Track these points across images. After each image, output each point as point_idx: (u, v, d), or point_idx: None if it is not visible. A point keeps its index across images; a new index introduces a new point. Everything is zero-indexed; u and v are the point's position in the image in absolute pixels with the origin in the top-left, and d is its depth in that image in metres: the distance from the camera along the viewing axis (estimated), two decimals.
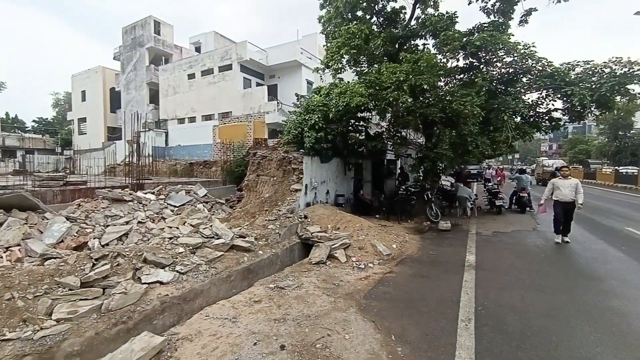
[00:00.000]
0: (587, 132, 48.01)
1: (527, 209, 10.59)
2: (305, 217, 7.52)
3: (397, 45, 10.87)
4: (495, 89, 9.35)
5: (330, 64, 10.68)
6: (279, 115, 18.04)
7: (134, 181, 9.88)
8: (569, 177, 6.59)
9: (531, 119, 9.35)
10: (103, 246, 5.59)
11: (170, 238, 5.14)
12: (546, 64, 8.38)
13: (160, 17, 24.48)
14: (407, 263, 5.35)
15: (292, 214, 7.41)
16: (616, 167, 26.11)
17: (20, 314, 2.91)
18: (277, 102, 19.54)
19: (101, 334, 2.94)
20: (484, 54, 9.08)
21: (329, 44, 10.80)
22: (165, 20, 25.28)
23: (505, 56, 9.08)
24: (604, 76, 7.58)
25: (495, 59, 9.33)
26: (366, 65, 11.47)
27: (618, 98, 7.72)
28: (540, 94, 8.96)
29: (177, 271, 4.18)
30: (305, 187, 8.33)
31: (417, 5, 11.12)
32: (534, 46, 8.50)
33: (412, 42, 11.18)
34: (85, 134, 28.64)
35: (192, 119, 22.37)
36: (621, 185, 19.19)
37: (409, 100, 7.80)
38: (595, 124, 37.30)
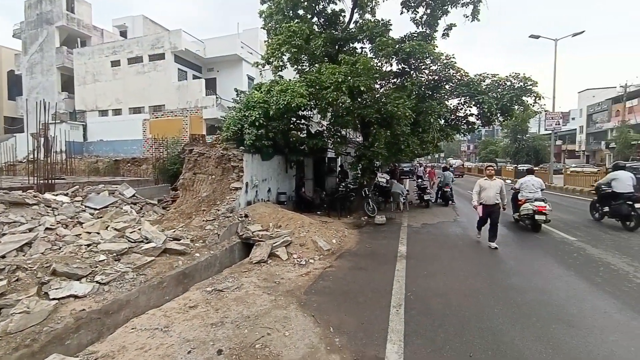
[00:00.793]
0: (495, 135, 55.59)
1: (450, 202, 11.88)
2: (246, 216, 7.33)
3: (337, 47, 11.19)
4: (424, 94, 10.27)
5: (271, 61, 10.54)
6: (218, 110, 17.21)
7: (41, 181, 8.50)
8: (494, 177, 6.09)
9: (452, 122, 10.52)
10: None
11: (89, 245, 4.57)
12: (464, 74, 9.51)
13: None
14: (346, 257, 5.60)
15: (232, 214, 7.16)
16: (515, 165, 30.96)
17: None
18: (216, 97, 18.61)
19: None
20: (413, 61, 9.88)
21: (270, 40, 10.65)
22: None
23: (431, 64, 10.02)
24: (506, 88, 8.93)
25: (423, 66, 10.24)
26: (307, 64, 11.59)
27: (516, 107, 9.14)
28: (459, 100, 10.14)
29: (97, 282, 3.74)
30: (245, 186, 8.11)
31: (356, 10, 11.59)
32: (454, 57, 9.55)
33: (351, 45, 11.64)
34: None
35: (118, 112, 20.05)
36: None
37: (348, 100, 8.12)
38: (501, 128, 43.43)
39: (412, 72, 10.52)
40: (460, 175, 30.04)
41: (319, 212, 10.58)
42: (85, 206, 7.32)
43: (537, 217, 6.89)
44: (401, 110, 8.43)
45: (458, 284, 4.18)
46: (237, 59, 19.75)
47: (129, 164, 16.22)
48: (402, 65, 10.57)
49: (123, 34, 23.61)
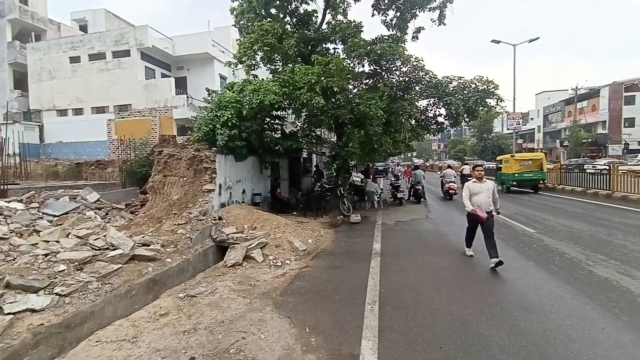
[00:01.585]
0: (463, 134, 58.23)
1: (422, 199, 12.29)
2: (220, 218, 7.17)
3: (310, 47, 11.21)
4: (395, 95, 10.56)
5: (243, 60, 10.39)
6: (189, 110, 16.67)
7: None
8: (484, 179, 5.23)
9: (422, 122, 10.89)
10: None
11: (47, 254, 4.27)
12: (432, 76, 9.88)
13: None
14: (322, 256, 5.63)
15: (205, 216, 6.98)
16: (481, 162, 32.60)
17: None
18: (187, 96, 18.03)
19: None
20: (384, 62, 10.12)
21: (242, 39, 10.48)
22: None
23: (402, 66, 10.32)
24: (471, 90, 9.39)
25: (394, 68, 10.52)
26: (280, 64, 11.53)
27: (480, 109, 9.65)
28: (429, 101, 10.53)
29: (56, 294, 3.50)
30: (219, 187, 7.93)
31: (328, 11, 11.67)
32: (422, 60, 9.90)
33: (324, 45, 11.71)
34: None
35: (79, 111, 18.85)
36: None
37: (321, 101, 8.17)
38: (468, 128, 45.67)
39: (383, 73, 10.77)
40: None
41: (295, 213, 10.56)
42: (43, 213, 6.83)
43: (450, 191, 12.31)
44: (373, 110, 8.61)
45: (429, 278, 4.34)
46: (208, 57, 19.24)
47: (92, 167, 15.30)
48: (374, 67, 10.79)
49: (83, 28, 22.23)
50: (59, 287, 3.62)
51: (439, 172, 19.12)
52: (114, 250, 4.75)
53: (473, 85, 9.55)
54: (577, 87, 36.51)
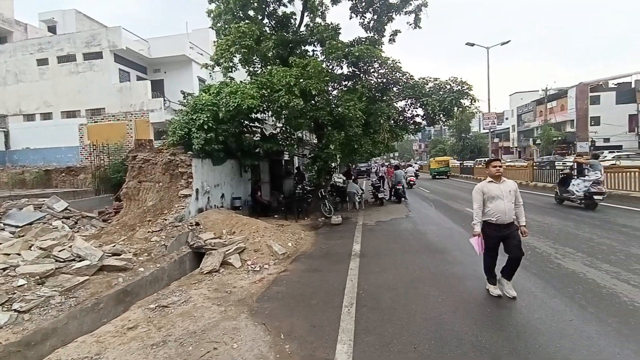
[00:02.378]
0: (443, 134, 59.75)
1: (402, 199, 12.46)
2: (197, 224, 6.99)
3: (289, 49, 11.17)
4: (374, 96, 10.66)
5: (220, 62, 10.24)
6: (167, 113, 16.20)
7: None
8: (502, 178, 3.72)
9: (401, 123, 11.06)
10: None
11: (4, 269, 4.00)
12: (409, 77, 10.06)
13: None
14: (301, 259, 5.58)
15: (182, 222, 6.78)
16: (461, 161, 33.56)
17: None
18: (164, 99, 17.54)
19: None
20: (362, 64, 10.21)
21: (219, 41, 10.31)
22: None
23: (379, 68, 10.45)
24: (447, 91, 9.63)
25: (372, 70, 10.64)
26: (259, 66, 11.45)
27: (456, 109, 9.90)
28: (406, 102, 10.71)
29: (15, 310, 3.28)
30: (196, 192, 7.73)
31: (306, 14, 11.67)
32: (399, 62, 10.06)
33: (303, 47, 11.70)
34: None
35: (47, 116, 17.96)
36: (464, 175, 24.61)
37: (300, 103, 8.13)
38: (447, 128, 46.95)
39: (361, 75, 10.86)
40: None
41: (276, 216, 10.45)
42: (4, 224, 6.43)
43: (397, 187, 12.38)
44: (352, 112, 8.66)
45: (407, 277, 4.37)
46: (186, 59, 18.82)
47: (63, 174, 14.57)
48: (352, 69, 10.88)
49: (52, 29, 21.22)
50: (17, 303, 3.39)
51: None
52: (80, 261, 4.52)
53: (448, 86, 9.80)
54: (546, 88, 38.25)
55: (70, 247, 4.83)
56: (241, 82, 9.26)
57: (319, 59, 10.25)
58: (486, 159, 17.69)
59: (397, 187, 12.43)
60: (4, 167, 15.79)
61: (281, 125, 10.78)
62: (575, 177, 8.90)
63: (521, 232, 3.64)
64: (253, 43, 9.94)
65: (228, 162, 9.56)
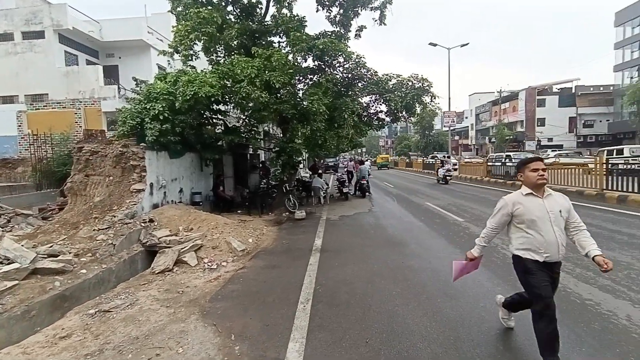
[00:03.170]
0: (408, 131, 61.88)
1: (367, 193, 12.70)
2: (151, 220, 6.57)
3: (254, 39, 10.81)
4: (339, 91, 10.66)
5: (179, 49, 9.67)
6: (122, 102, 15.06)
7: None
8: (545, 189, 2.42)
9: (365, 119, 11.20)
10: None
11: None
12: (373, 73, 10.17)
13: None
14: (261, 256, 5.46)
15: (133, 219, 6.34)
16: (423, 157, 35.07)
17: None
18: (119, 87, 16.29)
19: None
20: (327, 58, 10.14)
21: (178, 26, 9.70)
22: None
23: (344, 62, 10.45)
24: (409, 88, 9.89)
25: (337, 64, 10.61)
26: (222, 55, 11.00)
27: (417, 106, 10.21)
28: (370, 98, 10.84)
29: None
30: (150, 187, 7.26)
31: (272, 3, 11.33)
32: (364, 57, 10.13)
33: (269, 38, 11.37)
34: None
35: None
36: (426, 170, 25.70)
37: (263, 95, 7.91)
38: (412, 125, 48.71)
39: (326, 69, 10.80)
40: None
41: (239, 211, 10.18)
42: None
43: (362, 182, 12.61)
44: (316, 106, 8.58)
45: (365, 271, 4.42)
46: (143, 45, 17.58)
47: None
48: (318, 62, 10.77)
49: None
50: None
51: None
52: (8, 264, 4.04)
53: (410, 83, 10.06)
54: (500, 90, 40.94)
55: None
56: (202, 70, 8.81)
57: (284, 51, 10.03)
58: (473, 156, 18.49)
59: (362, 181, 12.63)
60: None
61: (244, 117, 10.45)
62: (441, 166, 16.89)
63: (599, 264, 2.24)
64: (215, 31, 9.49)
65: (187, 155, 9.10)
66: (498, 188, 13.23)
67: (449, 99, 22.25)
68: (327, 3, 11.54)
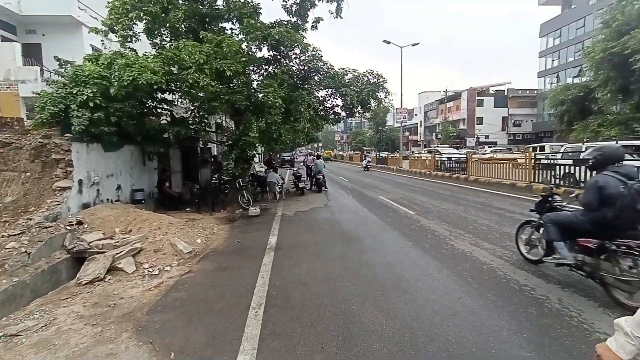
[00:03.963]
0: (363, 126, 63.67)
1: (323, 188, 12.68)
2: (80, 222, 5.77)
3: (204, 24, 10.04)
4: (295, 83, 10.39)
5: (116, 29, 8.64)
6: (46, 86, 13.08)
7: None
8: None
9: (321, 113, 11.10)
10: None
11: None
12: (330, 67, 10.07)
13: None
14: (210, 257, 5.07)
15: (56, 222, 5.49)
16: (378, 151, 36.44)
17: None
18: (42, 69, 14.14)
19: None
20: (283, 49, 9.80)
21: (114, 2, 8.61)
22: None
23: (301, 54, 10.19)
24: (364, 83, 9.98)
25: (293, 56, 10.31)
26: (169, 39, 10.09)
27: (372, 101, 10.37)
28: (327, 92, 10.75)
29: None
30: (78, 184, 6.38)
31: None
32: (320, 50, 9.98)
33: (220, 24, 10.67)
34: None
35: None
36: (379, 165, 26.68)
37: (213, 84, 7.35)
38: (367, 120, 50.25)
39: (282, 60, 10.45)
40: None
41: (188, 209, 9.50)
42: None
43: (318, 176, 12.46)
44: (272, 99, 8.24)
45: (321, 269, 4.31)
46: (73, 22, 15.42)
47: None
48: (273, 52, 10.36)
49: None
50: None
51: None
52: None
53: (365, 78, 10.15)
54: (446, 90, 43.91)
55: None
56: (144, 54, 7.93)
57: (237, 39, 9.45)
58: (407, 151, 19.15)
59: (318, 176, 12.57)
60: None
61: (193, 107, 9.69)
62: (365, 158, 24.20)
63: None
64: (159, 11, 8.64)
65: (126, 148, 8.20)
66: (445, 182, 14.12)
67: (401, 95, 23.19)
68: None
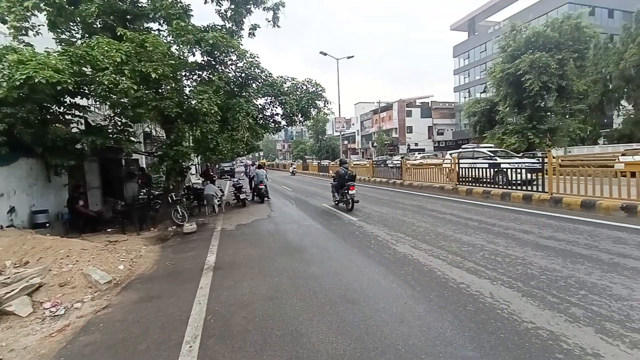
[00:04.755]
0: (304, 135, 64.56)
1: (265, 198, 12.29)
2: None
3: (125, 22, 9.01)
4: (232, 90, 9.94)
5: (7, 19, 7.29)
6: None
7: None
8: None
9: (261, 121, 10.80)
10: None
11: None
12: (268, 74, 9.87)
13: None
14: (135, 286, 4.38)
15: None
16: (319, 160, 37.18)
17: None
18: None
19: None
20: (218, 54, 9.31)
21: None
22: None
23: (237, 60, 9.80)
24: (303, 92, 10.01)
25: (229, 62, 9.86)
26: (81, 36, 8.86)
27: (312, 110, 10.45)
28: (266, 100, 10.51)
29: None
30: None
31: None
32: (258, 57, 9.73)
33: (146, 24, 9.73)
34: None
35: None
36: (321, 173, 27.16)
37: (135, 88, 6.56)
38: (307, 129, 51.14)
39: (218, 66, 9.92)
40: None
41: (109, 230, 8.32)
42: None
43: (260, 187, 12.16)
44: (206, 106, 7.70)
45: (265, 287, 4.02)
46: None
47: None
48: (207, 58, 9.79)
49: None
50: None
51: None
52: None
53: (304, 87, 10.19)
54: (379, 101, 47.14)
55: None
56: (46, 50, 6.76)
57: (165, 40, 8.68)
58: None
59: (260, 186, 12.14)
60: None
61: (113, 114, 8.56)
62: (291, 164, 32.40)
63: None
64: (64, 2, 7.53)
65: (22, 161, 6.87)
66: (383, 187, 14.85)
67: (339, 105, 24.07)
68: None
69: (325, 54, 21.32)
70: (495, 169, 10.41)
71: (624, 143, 24.82)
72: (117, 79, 6.27)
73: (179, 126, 8.32)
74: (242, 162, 35.71)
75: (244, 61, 9.63)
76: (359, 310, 3.29)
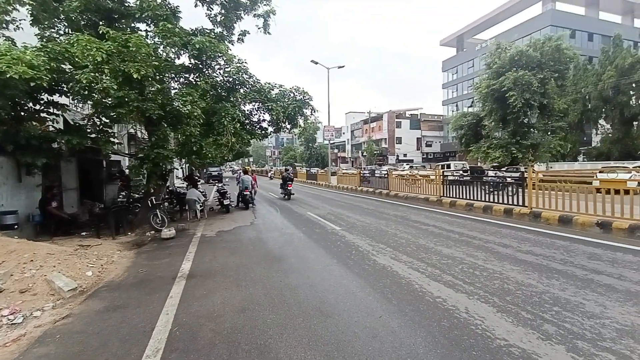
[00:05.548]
0: (294, 142, 64.63)
1: (250, 205, 12.11)
2: None
3: (110, 21, 8.86)
4: (219, 95, 9.83)
5: None
6: None
7: None
8: None
9: (248, 127, 10.71)
10: None
11: None
12: (256, 80, 9.83)
13: None
14: (102, 294, 4.17)
15: None
16: (308, 167, 37.18)
17: None
18: None
19: None
20: (205, 58, 9.23)
21: None
22: None
23: (226, 65, 9.73)
24: (291, 99, 9.99)
25: (217, 66, 9.79)
26: (64, 33, 8.67)
27: (299, 117, 10.44)
28: (253, 105, 10.45)
29: None
30: None
31: None
32: (246, 62, 9.69)
33: (132, 24, 9.59)
34: None
35: None
36: (309, 180, 27.12)
37: (115, 87, 6.40)
38: (297, 137, 51.23)
39: (204, 69, 9.82)
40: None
41: (84, 233, 8.01)
42: None
43: (245, 193, 12.07)
44: (189, 108, 7.57)
45: (238, 298, 3.89)
46: None
47: None
48: (195, 61, 9.68)
49: None
50: None
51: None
52: None
53: (292, 94, 10.19)
54: (369, 111, 47.68)
55: None
56: (23, 45, 6.55)
57: (151, 41, 8.55)
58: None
59: (245, 192, 11.97)
60: None
61: (92, 114, 8.32)
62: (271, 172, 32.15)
63: None
64: None
65: None
66: (369, 197, 14.88)
67: (329, 114, 24.15)
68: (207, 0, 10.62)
69: (317, 63, 21.49)
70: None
71: (602, 160, 25.81)
72: (97, 77, 6.11)
73: (162, 129, 8.15)
74: (231, 168, 35.30)
75: (232, 66, 9.57)
76: (332, 323, 3.20)
